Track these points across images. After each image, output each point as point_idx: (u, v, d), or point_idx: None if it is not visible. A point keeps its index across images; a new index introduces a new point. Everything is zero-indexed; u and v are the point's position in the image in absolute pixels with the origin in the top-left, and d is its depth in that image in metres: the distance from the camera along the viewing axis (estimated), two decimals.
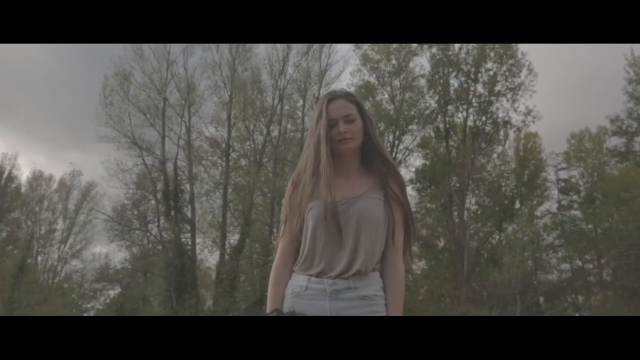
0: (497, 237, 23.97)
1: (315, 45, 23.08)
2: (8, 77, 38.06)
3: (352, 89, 22.63)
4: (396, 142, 23.98)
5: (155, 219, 25.22)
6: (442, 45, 23.72)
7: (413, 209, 2.01)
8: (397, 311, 1.83)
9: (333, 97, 1.95)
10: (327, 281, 1.82)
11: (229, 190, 23.19)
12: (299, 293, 1.84)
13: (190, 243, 22.76)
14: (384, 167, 1.94)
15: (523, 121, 23.96)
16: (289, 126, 24.26)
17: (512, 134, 24.74)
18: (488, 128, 24.32)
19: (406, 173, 24.13)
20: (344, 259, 1.83)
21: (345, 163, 1.95)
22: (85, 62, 41.40)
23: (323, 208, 1.84)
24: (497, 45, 23.61)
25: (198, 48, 22.72)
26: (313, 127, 1.94)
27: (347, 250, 1.84)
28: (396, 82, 24.43)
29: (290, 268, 1.92)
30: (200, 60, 25.00)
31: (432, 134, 25.17)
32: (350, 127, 1.90)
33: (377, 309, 1.81)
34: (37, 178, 30.51)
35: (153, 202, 25.29)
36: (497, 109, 24.14)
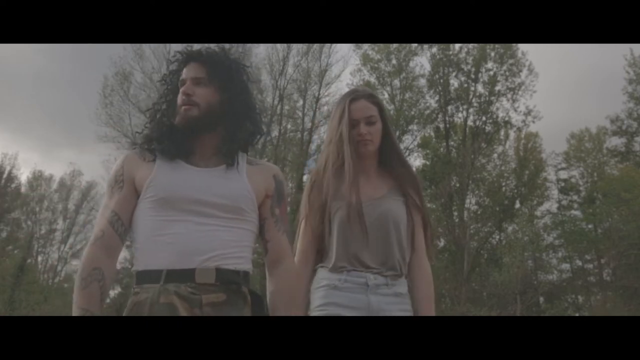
0: (497, 237, 23.94)
1: (315, 45, 23.07)
2: (5, 77, 38.06)
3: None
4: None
5: None
6: (442, 45, 23.70)
7: None
8: (429, 311, 1.86)
9: (356, 96, 1.94)
10: (368, 275, 1.82)
11: None
12: (336, 286, 1.82)
13: None
14: (401, 169, 1.96)
15: (523, 121, 23.96)
16: (289, 126, 24.27)
17: (512, 134, 24.75)
18: (488, 128, 24.30)
19: None
20: (379, 259, 1.84)
21: (364, 163, 1.95)
22: (84, 62, 41.39)
23: (350, 208, 1.84)
24: (497, 45, 23.59)
25: (198, 48, 22.68)
26: (335, 126, 1.93)
27: (380, 250, 1.85)
28: (396, 82, 24.42)
29: (312, 266, 1.91)
30: None
31: (432, 134, 25.15)
32: (370, 129, 1.90)
33: (408, 307, 1.86)
34: (37, 178, 30.54)
35: None
36: (497, 109, 24.12)
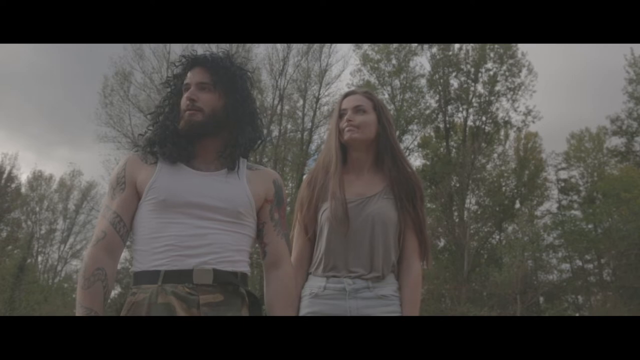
0: (497, 237, 23.95)
1: (315, 45, 23.06)
2: (4, 76, 38.07)
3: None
4: None
5: None
6: (442, 45, 23.71)
7: None
8: (412, 312, 1.81)
9: (350, 92, 1.97)
10: (346, 281, 1.80)
11: None
12: (317, 294, 1.81)
13: None
14: (394, 170, 1.90)
15: (523, 121, 23.98)
16: (289, 126, 24.26)
17: (512, 134, 24.76)
18: (488, 128, 24.31)
19: None
20: (363, 261, 1.81)
21: (357, 160, 1.92)
22: (83, 62, 41.39)
23: (334, 210, 1.81)
24: (496, 45, 23.59)
25: (198, 48, 22.67)
26: (330, 123, 1.95)
27: (365, 252, 1.81)
28: (396, 82, 24.41)
29: (306, 269, 1.89)
30: None
31: (432, 134, 25.16)
32: (356, 116, 1.88)
33: (395, 309, 1.81)
34: (37, 178, 30.53)
35: None
36: (497, 109, 24.14)
